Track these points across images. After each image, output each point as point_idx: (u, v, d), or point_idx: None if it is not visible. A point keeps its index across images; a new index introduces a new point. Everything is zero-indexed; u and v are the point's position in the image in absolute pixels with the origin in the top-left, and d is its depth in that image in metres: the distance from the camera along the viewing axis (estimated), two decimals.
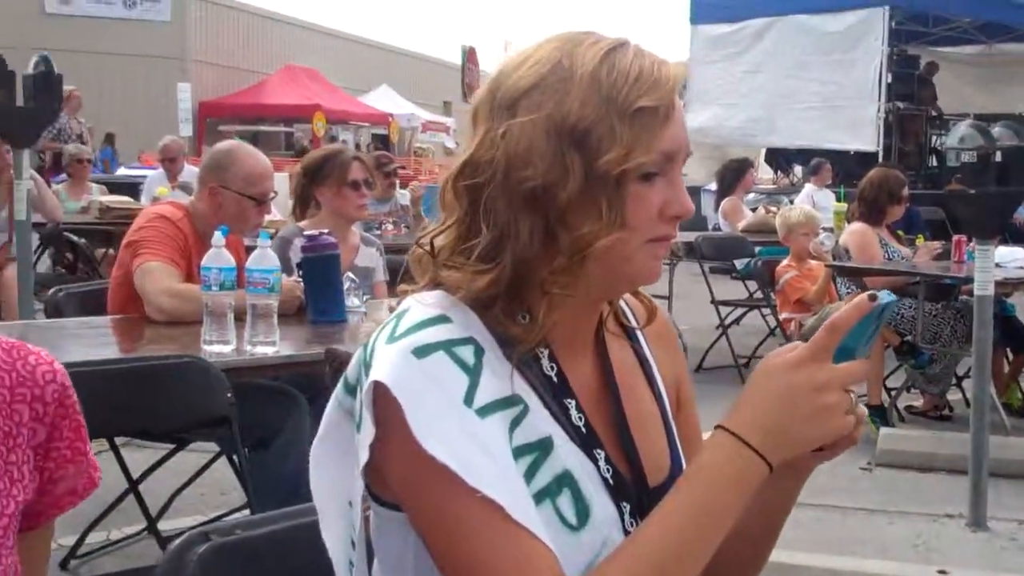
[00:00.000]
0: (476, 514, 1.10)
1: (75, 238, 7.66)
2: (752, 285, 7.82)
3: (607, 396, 1.30)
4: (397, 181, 8.16)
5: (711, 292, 7.60)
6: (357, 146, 24.23)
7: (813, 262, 6.64)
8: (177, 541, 1.44)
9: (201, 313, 3.20)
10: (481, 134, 1.23)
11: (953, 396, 6.44)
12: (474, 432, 1.13)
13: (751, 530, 1.29)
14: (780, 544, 1.37)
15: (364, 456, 1.15)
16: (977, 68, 17.03)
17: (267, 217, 4.30)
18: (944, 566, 4.03)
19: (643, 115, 1.18)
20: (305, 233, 3.87)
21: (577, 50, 1.22)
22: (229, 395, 2.87)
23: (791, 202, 10.84)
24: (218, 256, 3.17)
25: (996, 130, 4.89)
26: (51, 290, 4.15)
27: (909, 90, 15.60)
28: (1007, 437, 5.45)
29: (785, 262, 6.77)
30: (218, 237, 3.22)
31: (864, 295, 1.17)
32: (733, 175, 9.99)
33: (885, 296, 1.17)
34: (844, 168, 13.78)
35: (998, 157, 4.61)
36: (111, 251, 8.38)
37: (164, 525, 3.90)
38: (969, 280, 4.99)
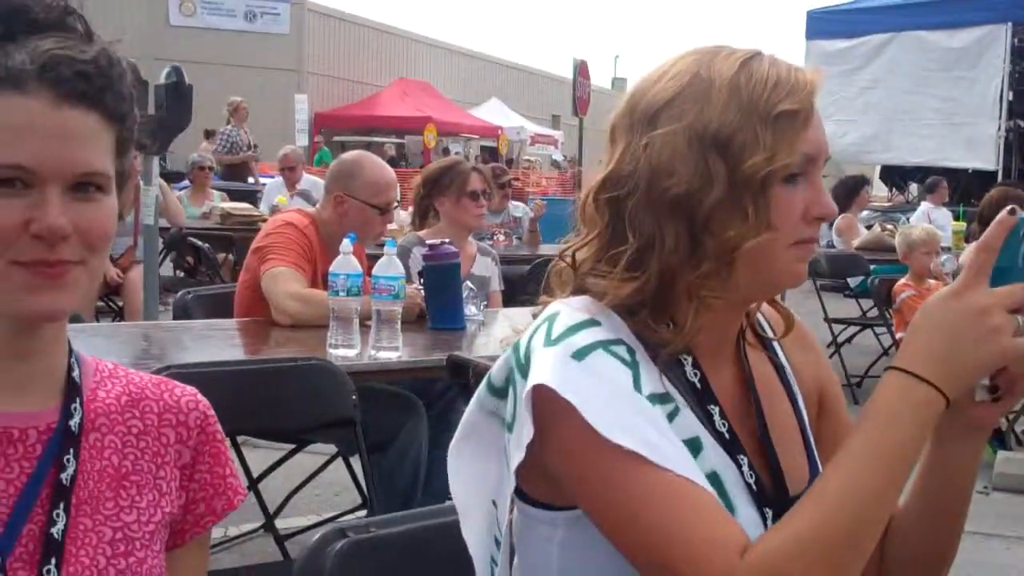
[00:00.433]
0: (669, 492, 1.13)
1: (198, 242, 7.88)
2: (865, 303, 7.69)
3: (748, 405, 1.32)
4: (511, 193, 8.24)
5: (824, 309, 7.50)
6: (466, 158, 24.40)
7: (932, 281, 6.52)
8: (315, 538, 1.49)
9: (324, 318, 3.27)
10: (621, 148, 1.26)
11: None
12: (652, 417, 1.17)
13: (940, 506, 1.28)
14: None
15: (519, 456, 1.18)
16: None
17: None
18: None
19: (784, 119, 1.21)
20: (428, 242, 3.94)
21: (714, 61, 1.25)
22: (354, 398, 2.93)
23: (907, 220, 10.64)
24: (346, 263, 3.24)
25: None
26: (179, 293, 4.28)
27: None
28: None
29: (903, 280, 6.66)
30: (346, 244, 3.29)
31: (1004, 211, 1.17)
32: (848, 192, 9.85)
33: None
34: (961, 186, 13.47)
35: None
36: (230, 256, 8.61)
37: (280, 523, 3.99)
38: None
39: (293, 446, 3.84)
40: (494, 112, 30.36)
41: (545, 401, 1.16)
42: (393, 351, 3.21)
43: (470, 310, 3.77)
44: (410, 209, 5.55)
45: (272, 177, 12.24)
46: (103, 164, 1.18)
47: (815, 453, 1.37)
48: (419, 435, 3.53)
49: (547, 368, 1.17)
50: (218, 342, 3.56)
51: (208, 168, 9.92)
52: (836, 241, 9.75)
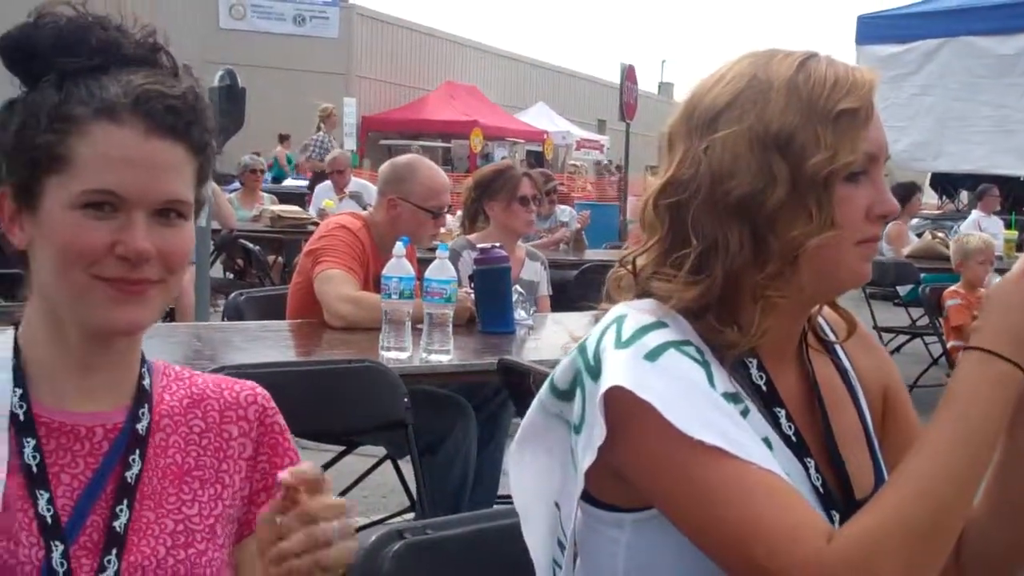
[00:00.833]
0: (752, 484, 1.14)
1: (249, 244, 7.95)
2: (915, 312, 7.62)
3: (813, 408, 1.32)
4: (556, 198, 8.26)
5: (873, 317, 7.45)
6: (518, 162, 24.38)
7: (983, 291, 6.43)
8: (371, 539, 1.50)
9: (376, 320, 3.30)
10: (680, 154, 1.27)
11: None
12: (729, 412, 1.18)
13: (1020, 495, 1.27)
14: None
15: (590, 458, 1.19)
16: None
17: None
18: None
19: (845, 117, 1.22)
20: (479, 246, 3.96)
21: (771, 63, 1.26)
22: (406, 400, 2.95)
23: (957, 229, 10.52)
24: (399, 266, 3.27)
25: None
26: (231, 294, 4.32)
27: None
28: None
29: (952, 287, 6.58)
30: (399, 247, 3.32)
31: None
32: (900, 199, 9.64)
33: None
34: (1013, 194, 13.30)
35: None
36: (279, 258, 8.68)
37: None
38: None
39: (342, 448, 3.86)
40: (540, 116, 30.33)
41: (620, 402, 1.17)
42: (444, 354, 3.23)
43: (519, 314, 3.79)
44: (458, 213, 5.57)
45: (303, 179, 12.22)
46: (185, 192, 1.25)
47: (879, 456, 1.37)
48: (468, 438, 3.55)
49: (621, 370, 1.17)
50: (271, 343, 3.61)
51: (260, 171, 10.00)
52: (886, 249, 9.67)
